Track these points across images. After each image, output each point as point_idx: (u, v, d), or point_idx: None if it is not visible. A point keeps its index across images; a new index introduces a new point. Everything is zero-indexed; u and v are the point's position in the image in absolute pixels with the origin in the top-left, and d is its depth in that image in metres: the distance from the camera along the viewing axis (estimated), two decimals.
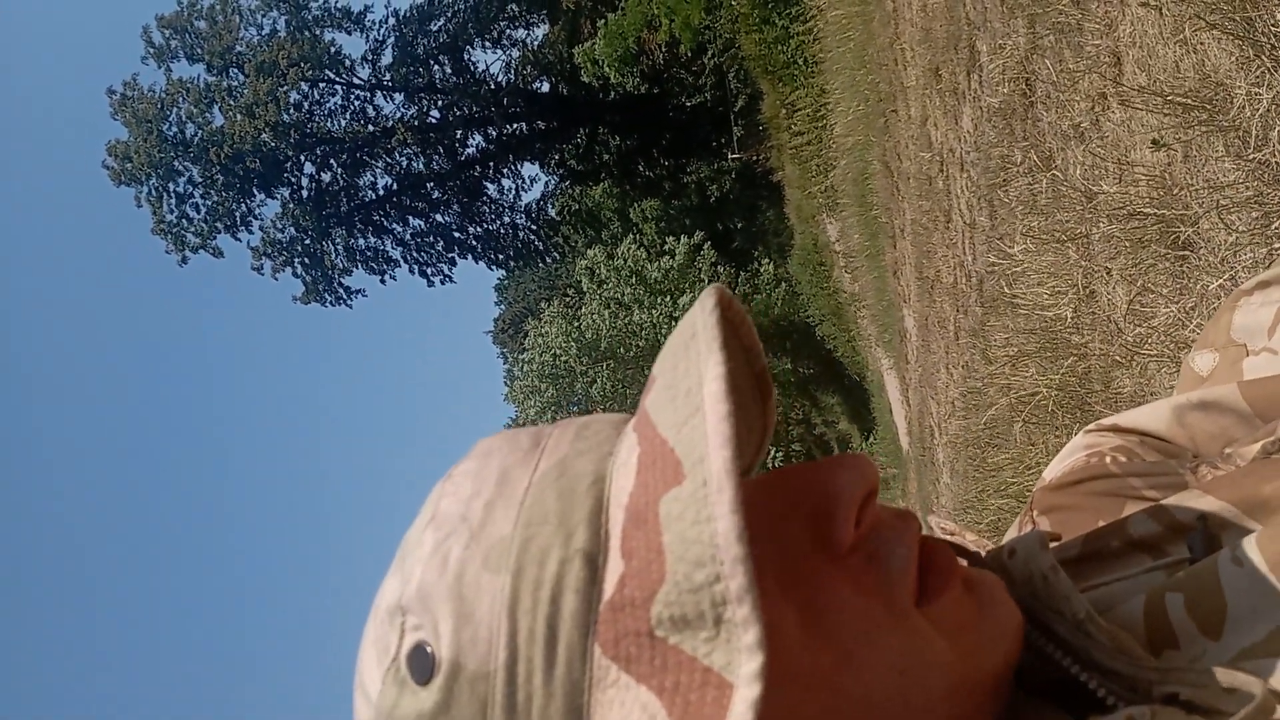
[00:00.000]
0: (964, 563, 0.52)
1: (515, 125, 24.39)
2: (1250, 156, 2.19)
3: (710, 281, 16.52)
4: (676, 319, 16.02)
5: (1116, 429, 0.63)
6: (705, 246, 17.84)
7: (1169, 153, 2.65)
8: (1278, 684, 0.41)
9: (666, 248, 17.99)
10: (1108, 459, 0.59)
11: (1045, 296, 3.88)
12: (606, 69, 18.89)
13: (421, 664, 0.42)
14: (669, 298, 16.74)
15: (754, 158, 21.03)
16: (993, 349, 4.96)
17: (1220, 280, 2.42)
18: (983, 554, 0.51)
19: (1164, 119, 2.64)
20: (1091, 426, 0.64)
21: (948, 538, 0.57)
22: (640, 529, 0.38)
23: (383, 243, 23.90)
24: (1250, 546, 0.45)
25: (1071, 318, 3.60)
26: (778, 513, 0.43)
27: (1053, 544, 0.54)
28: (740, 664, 0.35)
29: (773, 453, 17.22)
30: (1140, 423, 0.61)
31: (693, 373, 0.39)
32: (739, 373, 0.46)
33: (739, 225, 22.82)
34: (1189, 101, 2.43)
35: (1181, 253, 2.63)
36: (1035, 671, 0.46)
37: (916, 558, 0.43)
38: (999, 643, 0.44)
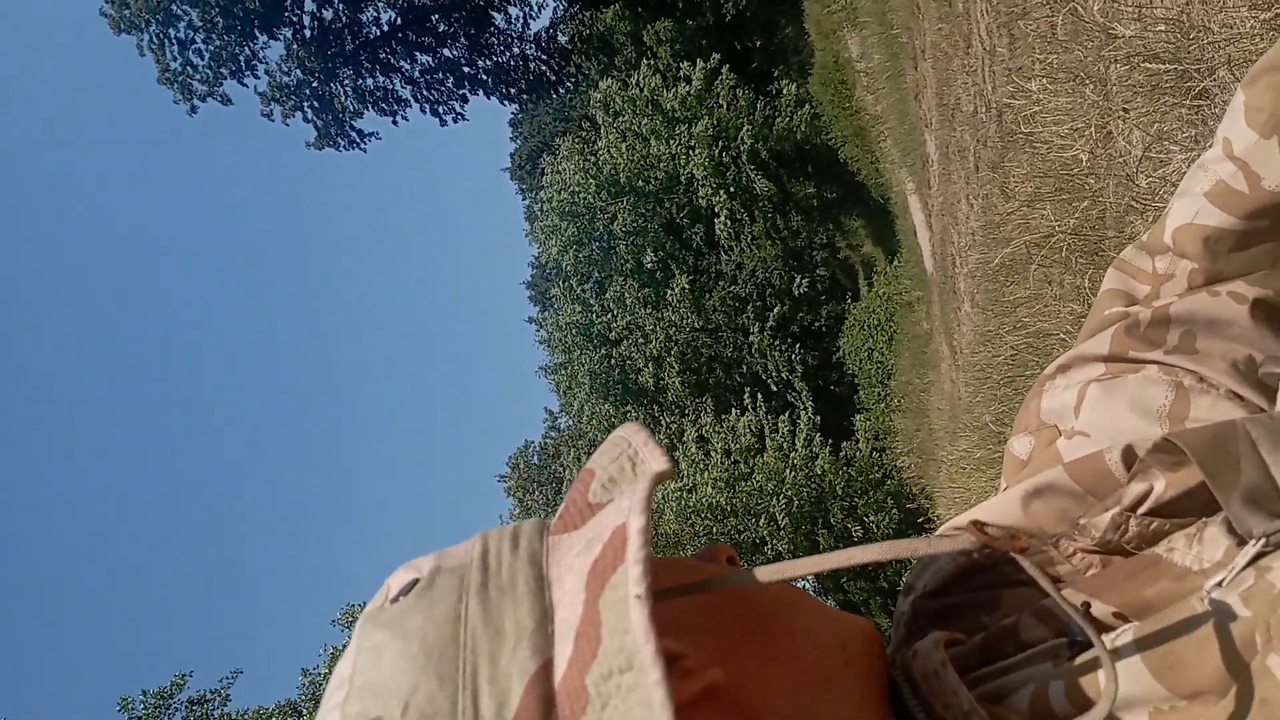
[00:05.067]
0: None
1: None
2: (1264, 5, 2.09)
3: (729, 107, 15.92)
4: (693, 149, 15.55)
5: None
6: (724, 70, 17.17)
7: None
8: None
9: (682, 73, 17.36)
10: (974, 554, 0.62)
11: (1062, 136, 3.79)
12: None
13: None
14: (686, 126, 16.28)
15: None
16: (1011, 184, 4.87)
17: None
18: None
19: None
20: (946, 528, 0.67)
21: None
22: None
23: (391, 82, 23.18)
24: (1127, 637, 0.51)
25: (1087, 160, 3.53)
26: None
27: (955, 646, 0.59)
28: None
29: (798, 280, 17.13)
30: (991, 518, 0.64)
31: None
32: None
33: (757, 44, 21.89)
34: None
35: (1197, 102, 2.55)
36: None
37: None
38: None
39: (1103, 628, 0.53)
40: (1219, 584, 0.50)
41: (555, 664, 0.47)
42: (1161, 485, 0.56)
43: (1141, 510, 0.57)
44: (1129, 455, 0.59)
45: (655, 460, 0.52)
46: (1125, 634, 0.51)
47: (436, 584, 0.52)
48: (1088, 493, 0.60)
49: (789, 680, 0.52)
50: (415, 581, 0.53)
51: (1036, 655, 0.55)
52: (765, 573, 0.50)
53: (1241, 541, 0.51)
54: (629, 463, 0.54)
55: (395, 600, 0.53)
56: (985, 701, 0.54)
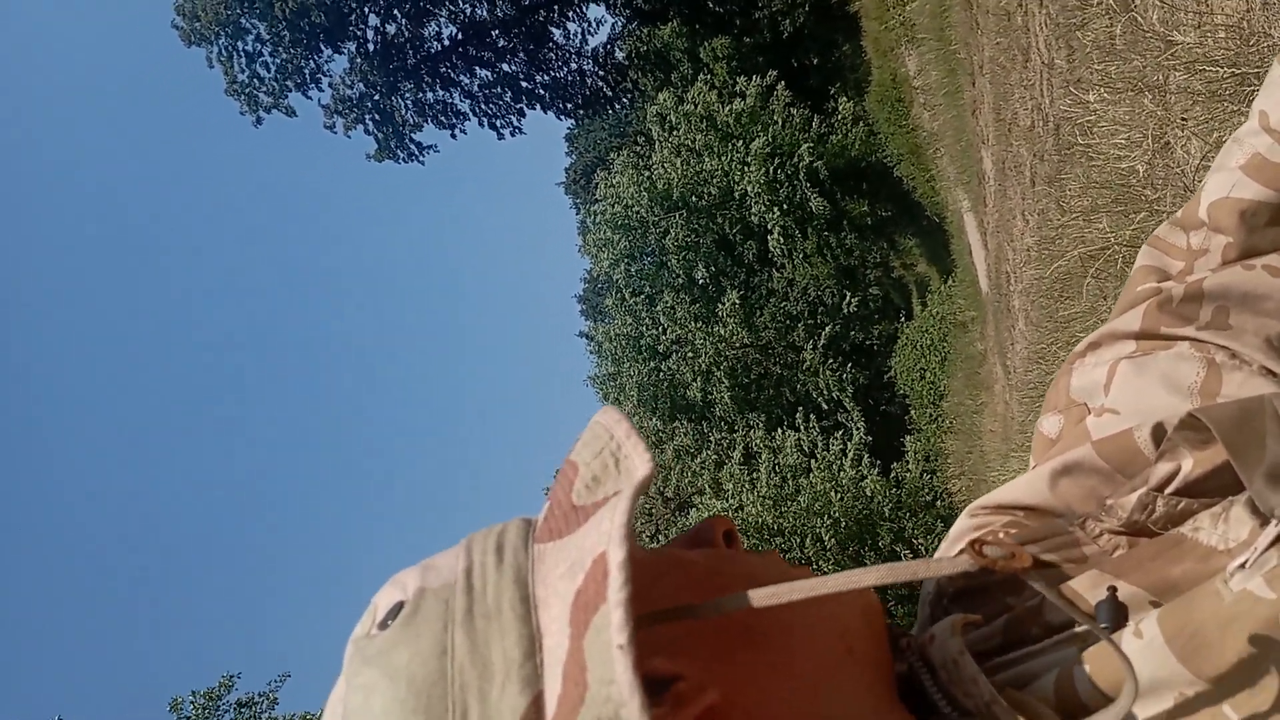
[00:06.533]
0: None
1: None
2: None
3: (784, 124, 15.89)
4: (749, 164, 15.55)
5: (1000, 507, 0.65)
6: (779, 86, 17.13)
7: None
8: None
9: (738, 89, 17.35)
10: (1000, 535, 0.61)
11: (1119, 147, 3.72)
12: None
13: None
14: (741, 142, 16.26)
15: None
16: (1067, 198, 4.79)
17: None
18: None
19: None
20: (973, 507, 0.66)
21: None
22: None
23: (450, 95, 23.56)
24: (1151, 621, 0.49)
25: (1145, 171, 3.46)
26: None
27: (976, 630, 0.58)
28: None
29: (849, 298, 16.99)
30: (1019, 498, 0.63)
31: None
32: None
33: (814, 61, 21.83)
34: None
35: None
36: None
37: None
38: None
39: (1124, 613, 0.52)
40: (1242, 565, 0.48)
41: (545, 699, 0.46)
42: (1189, 464, 0.55)
43: (1169, 490, 0.56)
44: (1159, 433, 0.58)
45: (639, 461, 0.50)
46: (1150, 617, 0.50)
47: (421, 610, 0.51)
48: (1116, 471, 0.59)
49: (790, 683, 0.51)
50: (401, 605, 0.52)
51: (1061, 640, 0.54)
52: (759, 597, 0.49)
53: (1266, 521, 0.50)
54: (612, 459, 0.52)
55: (383, 626, 0.52)
56: (1008, 687, 0.53)
